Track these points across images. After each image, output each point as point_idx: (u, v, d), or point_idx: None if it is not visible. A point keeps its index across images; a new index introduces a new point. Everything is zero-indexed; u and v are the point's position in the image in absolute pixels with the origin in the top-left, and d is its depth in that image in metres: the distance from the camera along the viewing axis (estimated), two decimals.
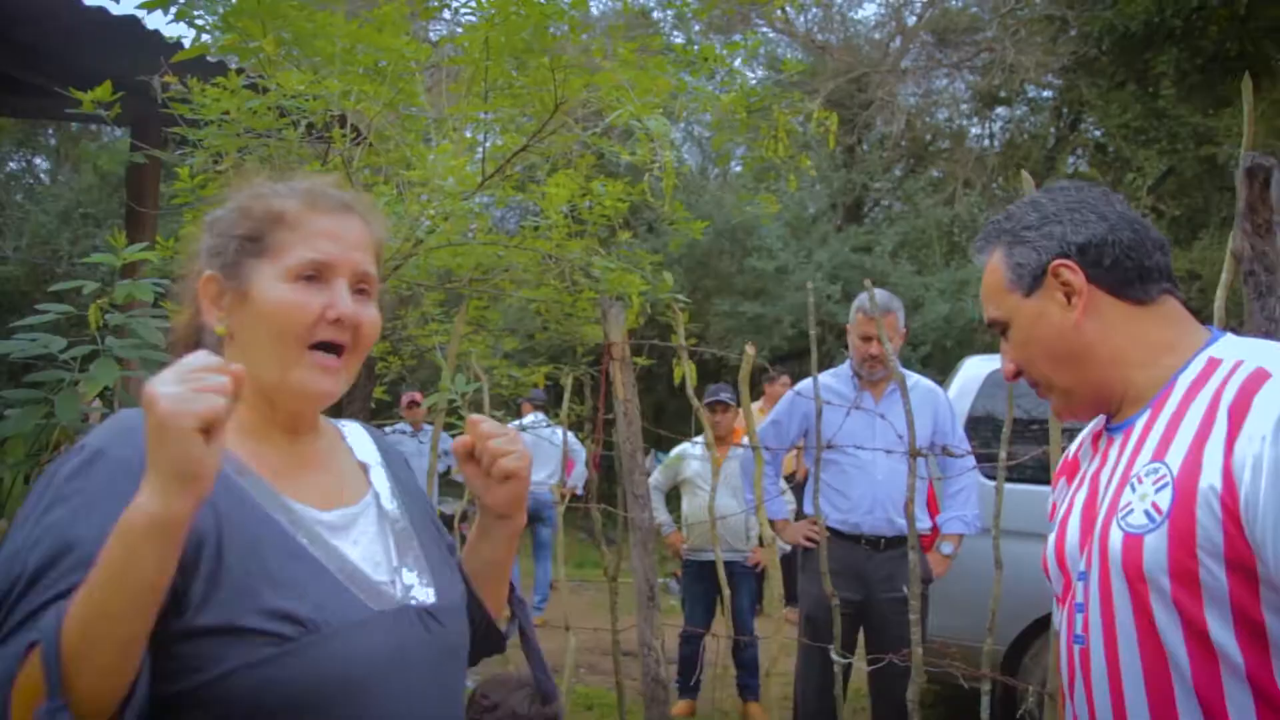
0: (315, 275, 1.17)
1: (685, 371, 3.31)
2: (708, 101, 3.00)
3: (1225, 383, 1.18)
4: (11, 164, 20.24)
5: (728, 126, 3.64)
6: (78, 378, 2.79)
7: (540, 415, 7.75)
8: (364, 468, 1.31)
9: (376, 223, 1.27)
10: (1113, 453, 1.32)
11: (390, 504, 1.28)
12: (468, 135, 3.90)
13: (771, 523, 4.13)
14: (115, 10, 2.94)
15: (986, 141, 15.03)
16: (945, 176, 14.17)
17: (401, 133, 3.84)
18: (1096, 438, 1.39)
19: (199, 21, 2.67)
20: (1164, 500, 1.16)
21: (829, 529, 3.76)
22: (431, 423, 6.57)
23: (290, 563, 1.10)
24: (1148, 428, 1.26)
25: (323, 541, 1.15)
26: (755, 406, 5.82)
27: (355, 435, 1.37)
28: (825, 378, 3.84)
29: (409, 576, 1.22)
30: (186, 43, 3.17)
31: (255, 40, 2.64)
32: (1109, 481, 1.30)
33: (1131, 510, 1.20)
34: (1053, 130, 14.08)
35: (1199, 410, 1.19)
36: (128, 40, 3.38)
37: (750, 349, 3.08)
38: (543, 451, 7.68)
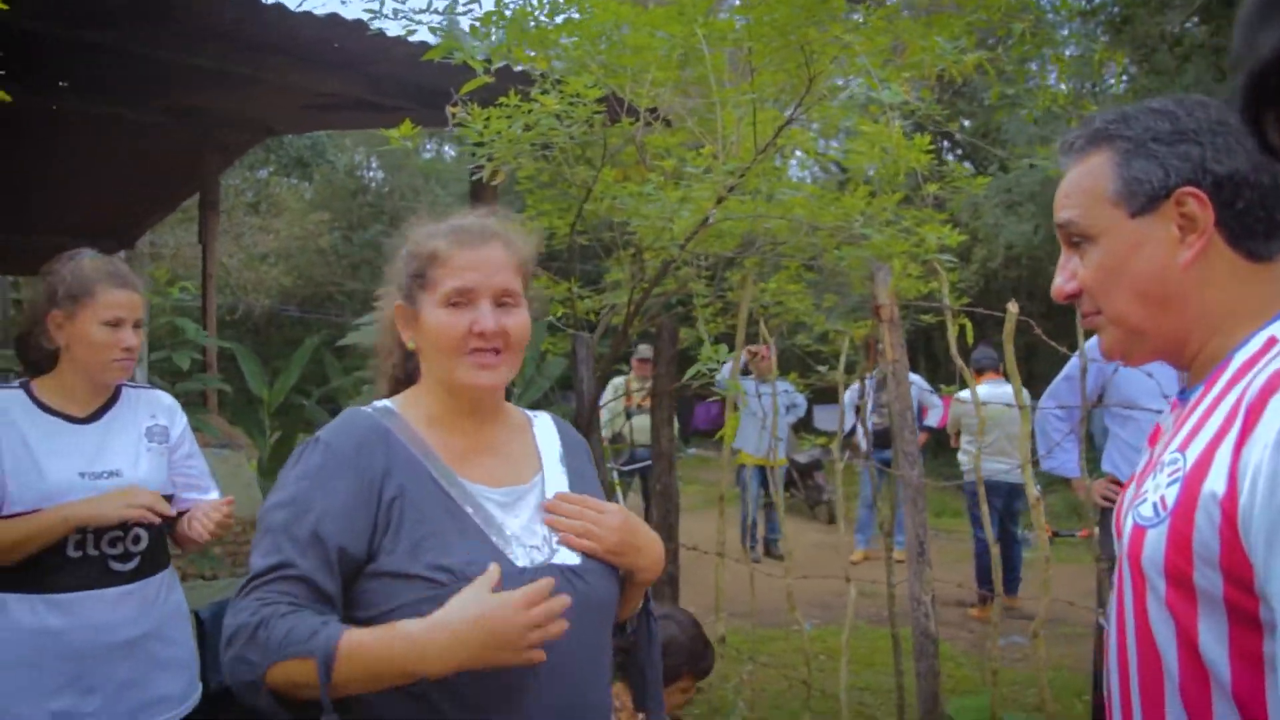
0: (462, 300, 1.47)
1: (953, 331, 3.32)
2: (952, 62, 2.99)
3: (1261, 372, 1.02)
4: (425, 153, 23.10)
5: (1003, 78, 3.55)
6: None
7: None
8: (539, 455, 1.60)
9: (519, 244, 1.55)
10: (1169, 425, 1.19)
11: (556, 484, 1.56)
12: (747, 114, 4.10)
13: (1068, 481, 4.02)
14: (435, 40, 3.43)
15: None
16: None
17: (694, 114, 4.12)
18: (1176, 404, 1.23)
19: (484, 50, 3.09)
20: (1171, 496, 1.06)
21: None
22: (779, 374, 6.86)
23: (454, 529, 1.42)
24: (1194, 407, 1.13)
25: (486, 513, 1.46)
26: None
27: (543, 426, 1.66)
28: None
29: (565, 551, 1.48)
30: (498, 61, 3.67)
31: (528, 65, 3.04)
32: (1153, 459, 1.18)
33: (1145, 500, 1.11)
34: None
35: (1231, 400, 1.05)
36: (452, 61, 3.89)
37: (1012, 306, 3.04)
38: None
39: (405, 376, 1.62)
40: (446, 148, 22.98)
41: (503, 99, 3.04)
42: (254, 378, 4.13)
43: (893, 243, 3.76)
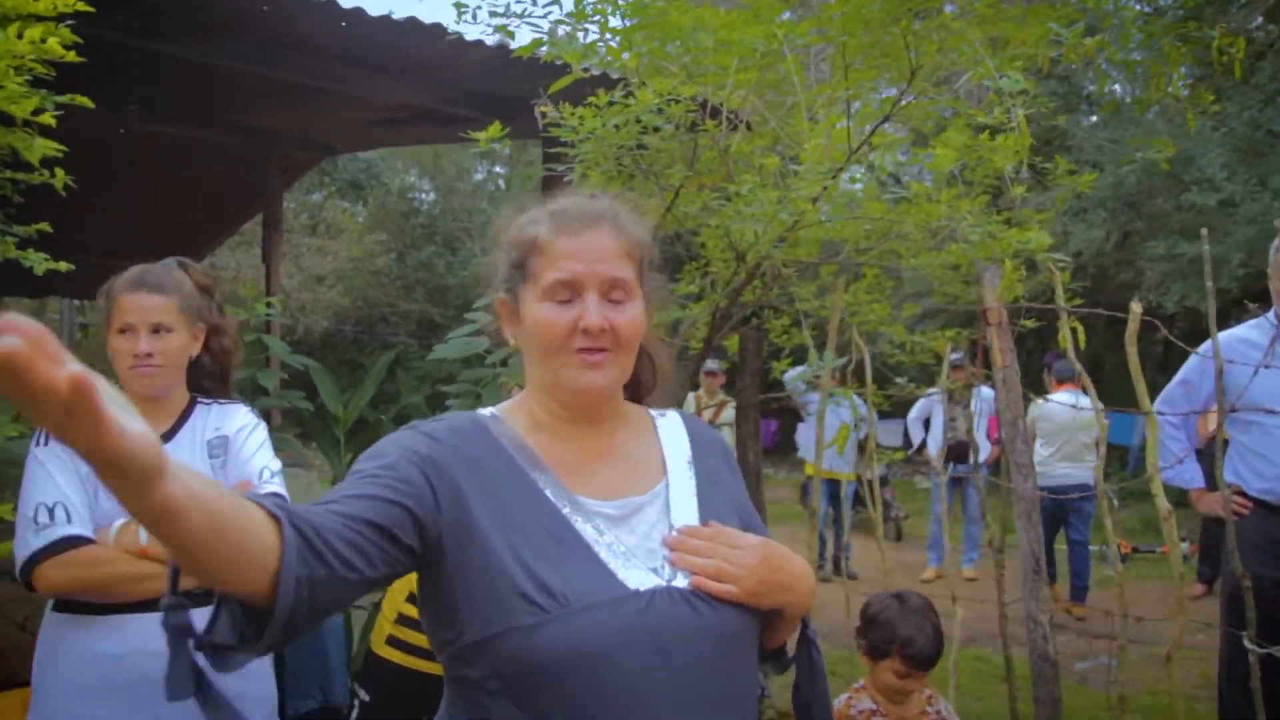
0: (566, 293, 1.29)
1: (1067, 334, 3.13)
2: (1070, 48, 2.81)
3: None
4: (477, 174, 23.21)
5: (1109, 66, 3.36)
6: (500, 373, 3.29)
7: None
8: (664, 459, 1.40)
9: (631, 227, 1.36)
10: None
11: (682, 493, 1.37)
12: (836, 113, 3.95)
13: (1185, 493, 3.79)
14: (513, 46, 3.32)
15: None
16: None
17: (775, 115, 3.97)
18: None
19: (572, 49, 2.97)
20: None
21: (1251, 499, 3.39)
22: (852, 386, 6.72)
23: (557, 545, 1.23)
24: None
25: (597, 529, 1.27)
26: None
27: (669, 426, 1.46)
28: (1243, 330, 3.44)
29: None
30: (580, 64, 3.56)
31: (618, 61, 2.91)
32: None
33: None
34: None
35: None
36: (528, 66, 3.78)
37: (1136, 306, 2.85)
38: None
39: None
40: (498, 168, 23.10)
41: (591, 98, 2.91)
42: (330, 395, 4.02)
43: (988, 245, 3.59)
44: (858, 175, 5.46)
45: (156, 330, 2.08)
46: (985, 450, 8.19)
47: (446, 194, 22.07)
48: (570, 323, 1.28)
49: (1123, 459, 11.68)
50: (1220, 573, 3.52)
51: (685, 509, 1.36)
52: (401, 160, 21.23)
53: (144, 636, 1.95)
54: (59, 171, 2.23)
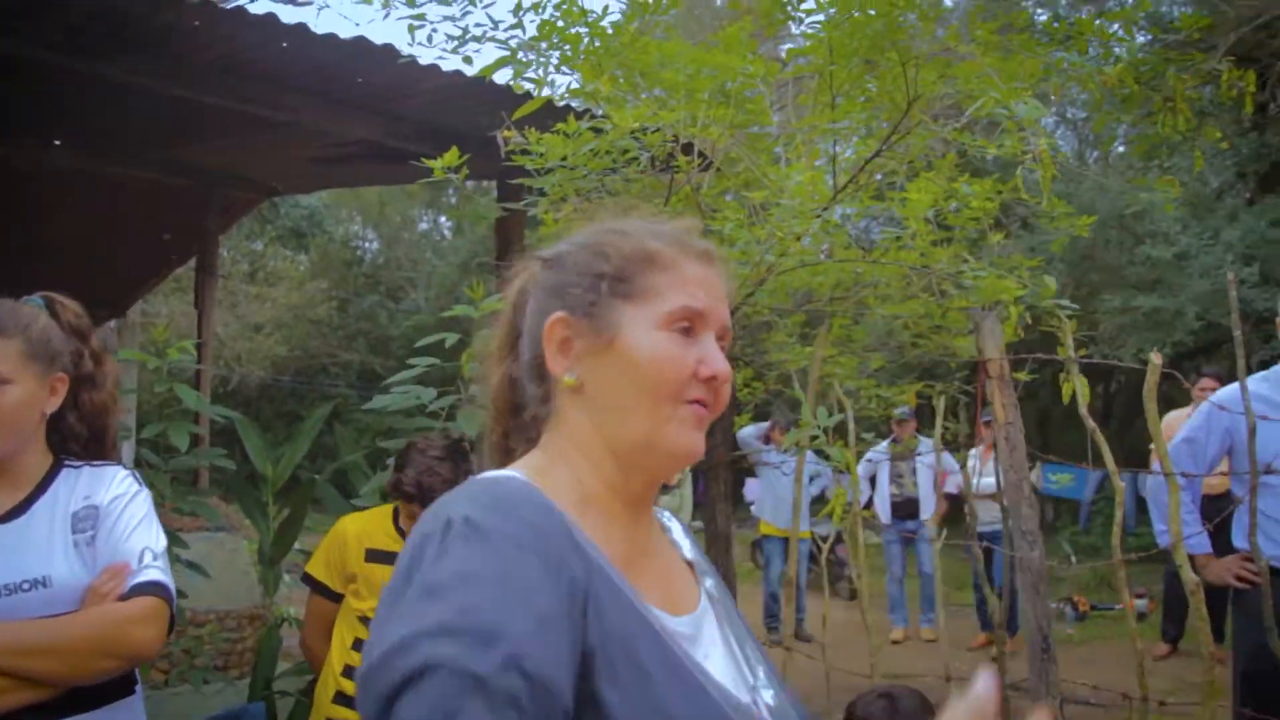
0: (689, 326, 1.00)
1: (1076, 387, 2.88)
2: (1088, 78, 2.59)
3: None
4: (422, 224, 22.87)
5: (1111, 104, 3.16)
6: (445, 426, 2.93)
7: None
8: (691, 565, 1.11)
9: (727, 274, 1.10)
10: None
11: (721, 608, 1.09)
12: (819, 148, 3.73)
13: (1192, 558, 3.55)
14: (469, 72, 3.05)
15: None
16: None
17: (751, 154, 3.74)
18: None
19: (535, 75, 2.71)
20: None
21: (1271, 568, 3.14)
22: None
23: (675, 680, 0.90)
24: None
25: (688, 655, 0.94)
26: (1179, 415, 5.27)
27: (675, 529, 1.17)
28: (1253, 383, 3.22)
29: (766, 695, 1.02)
30: (543, 90, 3.29)
31: (593, 84, 2.63)
32: None
33: None
34: None
35: None
36: (486, 97, 3.51)
37: (1156, 357, 2.62)
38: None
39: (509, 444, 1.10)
40: (442, 218, 22.80)
41: (560, 125, 2.63)
42: (257, 452, 3.64)
43: (986, 291, 3.38)
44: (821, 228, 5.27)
45: None
46: (932, 505, 8.06)
47: (391, 243, 21.71)
48: (693, 363, 0.99)
49: (1074, 514, 11.59)
50: (1238, 648, 3.26)
51: (734, 621, 1.09)
52: (346, 208, 20.87)
53: None
54: None
